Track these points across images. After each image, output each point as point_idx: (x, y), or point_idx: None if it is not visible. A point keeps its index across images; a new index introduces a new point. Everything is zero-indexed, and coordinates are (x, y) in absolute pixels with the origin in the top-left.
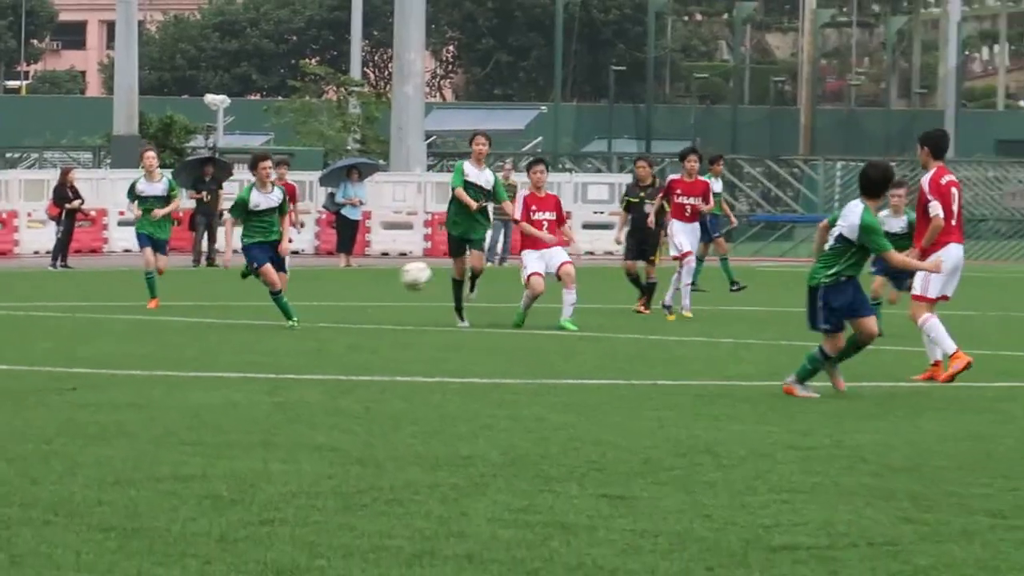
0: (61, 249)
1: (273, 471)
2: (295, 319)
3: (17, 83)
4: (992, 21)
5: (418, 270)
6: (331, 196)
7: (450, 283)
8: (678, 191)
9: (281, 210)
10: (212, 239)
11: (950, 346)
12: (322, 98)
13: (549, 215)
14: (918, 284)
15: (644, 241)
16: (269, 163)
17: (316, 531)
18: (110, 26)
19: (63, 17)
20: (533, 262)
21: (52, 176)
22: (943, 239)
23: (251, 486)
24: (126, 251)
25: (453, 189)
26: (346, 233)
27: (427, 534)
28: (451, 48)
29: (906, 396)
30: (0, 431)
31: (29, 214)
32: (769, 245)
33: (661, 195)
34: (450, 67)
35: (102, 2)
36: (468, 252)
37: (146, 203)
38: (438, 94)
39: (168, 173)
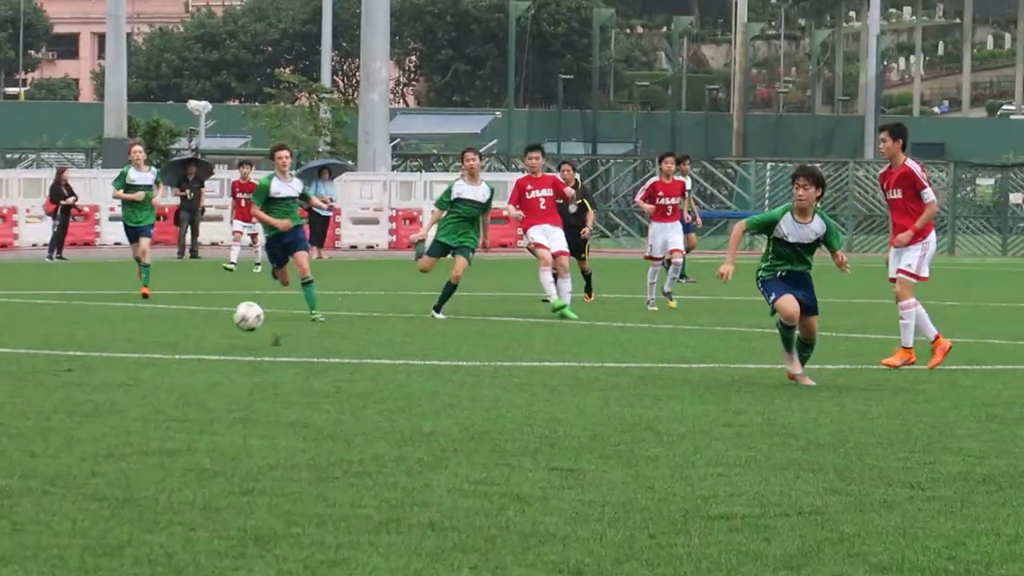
0: (57, 242)
1: (252, 446)
2: (317, 312)
3: (16, 90)
4: (908, 34)
5: (249, 314)
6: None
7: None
8: (660, 193)
9: (304, 197)
10: (195, 233)
11: (932, 332)
12: (295, 104)
13: (546, 192)
14: (913, 262)
15: (572, 240)
16: (286, 152)
17: (292, 501)
18: (101, 38)
19: (58, 30)
20: (538, 235)
21: (48, 175)
22: (930, 225)
23: (232, 459)
24: (116, 244)
25: (433, 209)
26: (317, 228)
27: (394, 503)
28: (413, 58)
29: (831, 378)
30: (1, 409)
31: (27, 210)
32: (705, 239)
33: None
34: (412, 75)
35: (93, 16)
36: (452, 256)
37: (136, 191)
38: (402, 100)
39: (155, 168)
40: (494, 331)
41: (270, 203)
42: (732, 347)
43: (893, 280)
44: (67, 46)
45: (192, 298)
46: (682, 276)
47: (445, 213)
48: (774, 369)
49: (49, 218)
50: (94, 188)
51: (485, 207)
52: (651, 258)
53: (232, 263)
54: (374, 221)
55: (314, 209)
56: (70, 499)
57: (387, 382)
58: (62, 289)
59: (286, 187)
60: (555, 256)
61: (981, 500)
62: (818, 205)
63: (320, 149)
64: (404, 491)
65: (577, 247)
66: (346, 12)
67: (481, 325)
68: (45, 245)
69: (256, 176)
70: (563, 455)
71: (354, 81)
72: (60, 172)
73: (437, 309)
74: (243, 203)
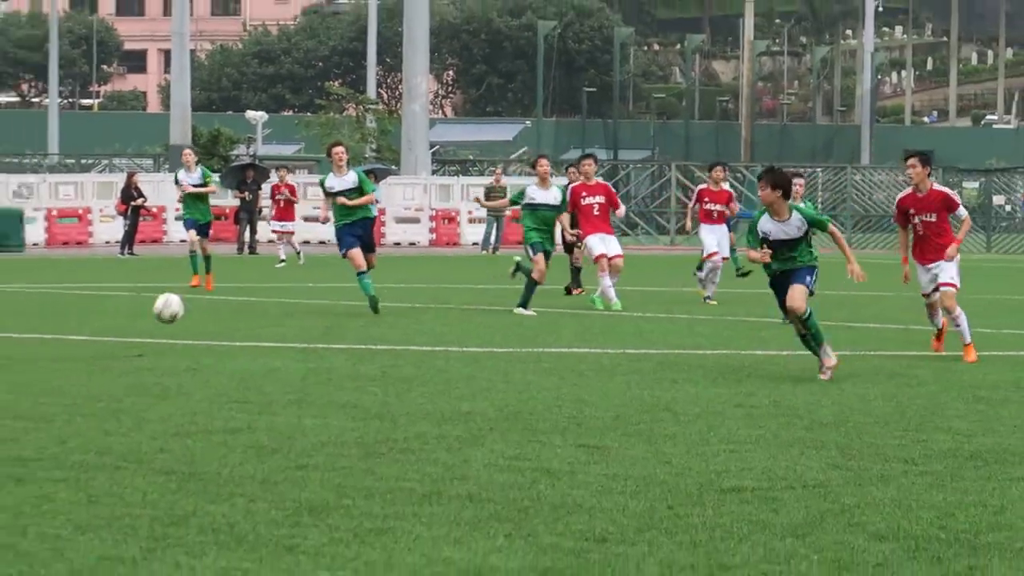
0: (128, 239)
1: (306, 425)
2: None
3: (90, 101)
4: (900, 51)
5: (166, 305)
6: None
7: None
8: (706, 199)
9: (361, 191)
10: (253, 231)
11: (939, 324)
12: (344, 114)
13: (599, 199)
14: (956, 276)
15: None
16: (341, 149)
17: (343, 475)
18: (167, 54)
19: (128, 46)
20: (597, 245)
21: (119, 179)
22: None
23: (288, 437)
24: (182, 241)
25: (511, 206)
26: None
27: (435, 477)
28: (451, 73)
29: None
30: (78, 391)
31: (101, 210)
32: None
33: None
34: (450, 88)
35: (160, 34)
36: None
37: (185, 189)
38: (440, 111)
39: (203, 167)
40: (526, 321)
41: (328, 197)
42: (743, 336)
43: (927, 295)
44: (136, 61)
45: (250, 290)
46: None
47: (522, 213)
48: (780, 356)
49: (120, 218)
50: (161, 190)
51: (559, 208)
52: (710, 256)
53: (283, 260)
54: (416, 220)
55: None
56: (140, 473)
57: (428, 367)
58: (132, 282)
59: (340, 181)
60: (612, 259)
61: (969, 475)
62: (794, 203)
63: (366, 155)
64: (444, 466)
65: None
66: (389, 31)
67: (518, 316)
68: (117, 242)
69: (292, 179)
70: (589, 433)
71: (397, 93)
72: (130, 176)
73: (523, 306)
74: (281, 204)
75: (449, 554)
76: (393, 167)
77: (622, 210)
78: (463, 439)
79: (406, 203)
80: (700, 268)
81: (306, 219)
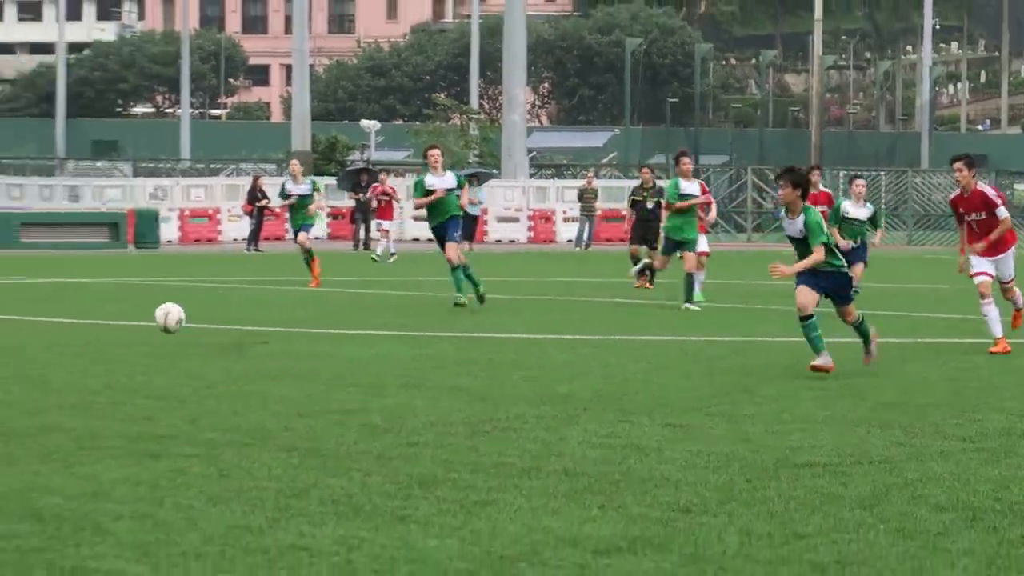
0: (253, 237)
1: (417, 406)
2: (463, 297)
3: (218, 112)
4: (956, 65)
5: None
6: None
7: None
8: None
9: (460, 185)
10: (367, 229)
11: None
12: (449, 123)
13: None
14: (1012, 270)
15: (647, 231)
16: (437, 151)
17: (450, 451)
18: (288, 68)
19: (252, 62)
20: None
21: (245, 182)
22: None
23: (399, 417)
24: (317, 238)
25: (669, 203)
26: (469, 225)
27: (534, 454)
28: (546, 85)
29: (896, 350)
30: (210, 375)
31: (229, 210)
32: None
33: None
34: (545, 99)
35: (282, 50)
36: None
37: (291, 199)
38: (537, 120)
39: (311, 177)
40: (617, 312)
41: (427, 195)
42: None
43: (974, 276)
44: (260, 75)
45: (364, 283)
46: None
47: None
48: (847, 343)
49: (246, 217)
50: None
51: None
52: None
53: (378, 255)
54: (515, 220)
55: (466, 209)
56: (266, 450)
57: (528, 354)
58: (258, 276)
59: (439, 181)
60: (699, 255)
61: (1022, 451)
62: (807, 204)
63: (470, 160)
64: (543, 443)
65: (651, 239)
66: (490, 47)
67: (609, 307)
68: (243, 239)
69: (393, 183)
70: (674, 413)
71: (497, 104)
72: (255, 179)
73: (688, 301)
74: (382, 204)
75: (547, 523)
76: (494, 171)
77: (713, 214)
78: (560, 419)
79: (506, 204)
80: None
81: (416, 219)
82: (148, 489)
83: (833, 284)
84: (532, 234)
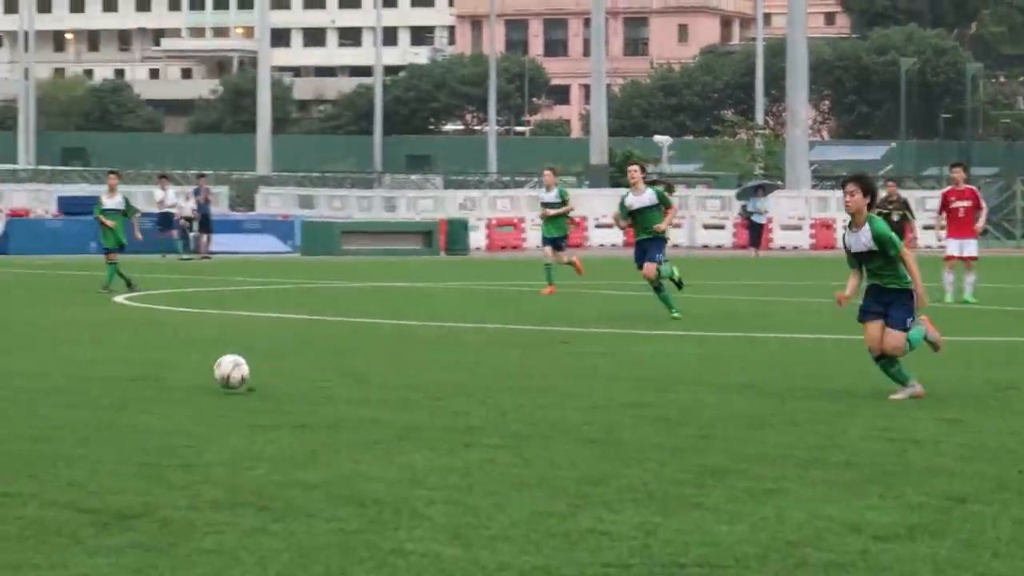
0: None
1: (706, 400)
2: (676, 311)
3: (522, 129)
4: None
5: (232, 367)
6: (744, 207)
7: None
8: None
9: (663, 203)
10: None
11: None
12: (736, 138)
13: (966, 203)
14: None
15: None
16: (634, 167)
17: (737, 443)
18: (586, 88)
19: (554, 82)
20: (953, 248)
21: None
22: None
23: (690, 411)
24: (600, 246)
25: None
26: (755, 233)
27: (816, 446)
28: (826, 102)
29: None
30: (514, 371)
31: (533, 220)
32: None
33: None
34: (826, 115)
35: (581, 71)
36: None
37: (555, 207)
38: (818, 134)
39: (560, 187)
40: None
41: (632, 216)
42: None
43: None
44: (561, 95)
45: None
46: None
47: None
48: None
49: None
50: (583, 202)
51: None
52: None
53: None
54: (797, 228)
55: (752, 218)
56: (567, 441)
57: (809, 352)
58: (561, 281)
59: (638, 199)
60: (961, 259)
61: None
62: (871, 214)
63: (756, 172)
64: (824, 436)
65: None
66: (774, 67)
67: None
68: (538, 247)
69: (688, 192)
70: (948, 408)
71: (781, 120)
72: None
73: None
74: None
75: (830, 511)
76: (779, 183)
77: (982, 220)
78: (840, 413)
79: (790, 213)
80: None
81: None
82: (460, 476)
83: (892, 301)
84: (814, 241)
